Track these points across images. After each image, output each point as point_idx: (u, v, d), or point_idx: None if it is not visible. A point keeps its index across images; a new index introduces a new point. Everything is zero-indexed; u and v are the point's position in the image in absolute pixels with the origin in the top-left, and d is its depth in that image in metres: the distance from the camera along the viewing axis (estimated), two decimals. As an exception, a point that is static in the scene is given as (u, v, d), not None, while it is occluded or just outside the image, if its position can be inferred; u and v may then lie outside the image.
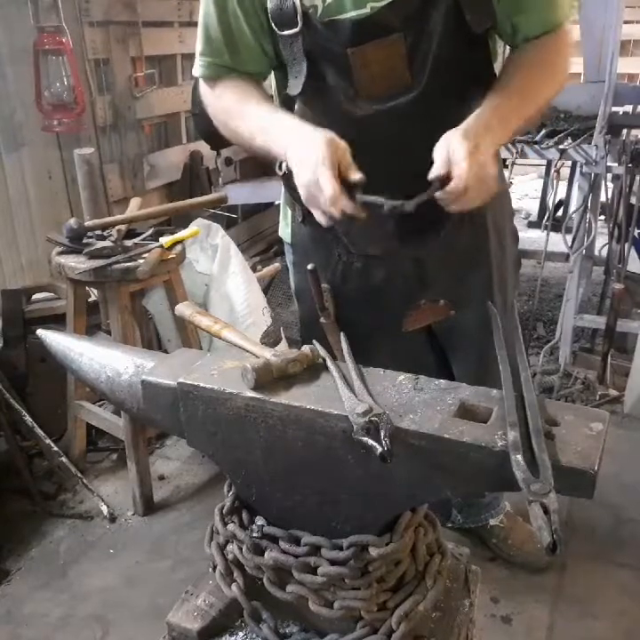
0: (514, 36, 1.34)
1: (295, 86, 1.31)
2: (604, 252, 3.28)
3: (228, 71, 1.38)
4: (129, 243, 2.26)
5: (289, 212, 1.59)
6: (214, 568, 1.12)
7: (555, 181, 3.42)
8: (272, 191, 3.87)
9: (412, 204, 1.10)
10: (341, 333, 1.09)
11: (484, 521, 2.09)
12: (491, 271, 1.57)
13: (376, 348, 1.47)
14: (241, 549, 1.05)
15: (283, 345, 2.79)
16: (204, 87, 1.44)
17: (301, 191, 1.14)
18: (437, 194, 1.11)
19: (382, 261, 1.49)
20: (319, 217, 1.15)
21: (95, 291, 2.60)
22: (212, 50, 1.38)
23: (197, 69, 1.43)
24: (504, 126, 1.21)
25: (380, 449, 0.82)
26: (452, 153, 1.11)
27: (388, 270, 1.49)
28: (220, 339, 1.11)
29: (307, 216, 1.44)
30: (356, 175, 1.10)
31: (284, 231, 1.65)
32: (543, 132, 2.96)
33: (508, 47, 1.40)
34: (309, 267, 1.35)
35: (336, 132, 1.17)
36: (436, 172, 1.12)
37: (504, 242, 1.60)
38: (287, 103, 1.37)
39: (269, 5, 1.26)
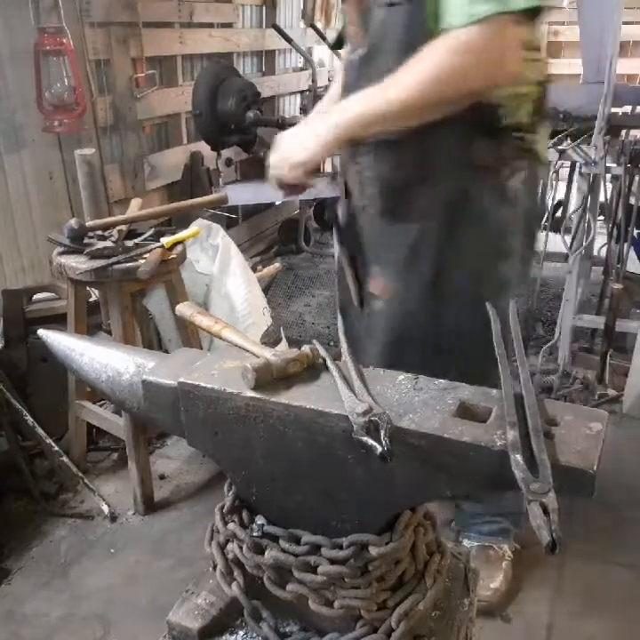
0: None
1: None
2: (603, 252, 3.28)
3: None
4: (130, 243, 2.27)
5: None
6: (214, 567, 1.12)
7: (554, 182, 3.42)
8: (272, 192, 3.87)
9: None
10: (342, 334, 1.10)
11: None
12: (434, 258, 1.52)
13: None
14: (241, 548, 1.06)
15: (283, 345, 2.79)
16: None
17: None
18: None
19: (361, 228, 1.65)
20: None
21: (96, 291, 2.61)
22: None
23: None
24: (346, 115, 1.37)
25: (379, 449, 0.82)
26: None
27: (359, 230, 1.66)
28: (221, 339, 1.12)
29: None
30: None
31: None
32: (543, 132, 2.97)
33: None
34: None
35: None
36: None
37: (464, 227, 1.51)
38: None
39: None
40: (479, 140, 1.42)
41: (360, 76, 1.45)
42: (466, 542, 2.03)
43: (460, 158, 1.42)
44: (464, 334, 1.48)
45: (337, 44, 1.70)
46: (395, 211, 1.53)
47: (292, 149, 1.43)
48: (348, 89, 1.47)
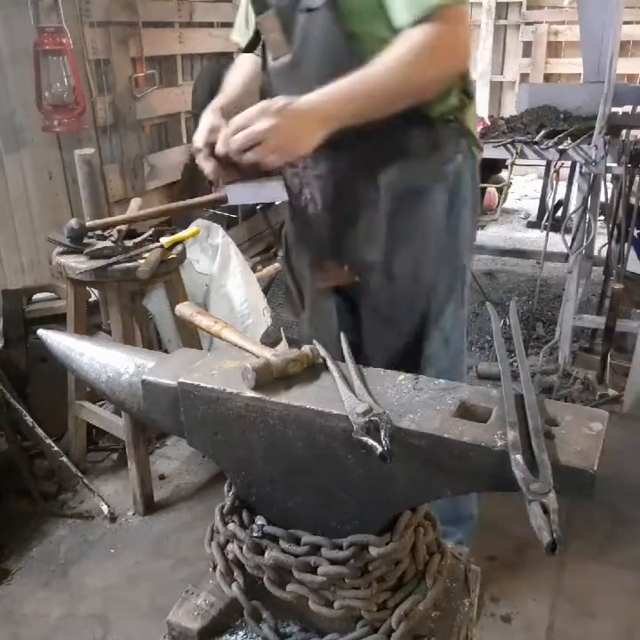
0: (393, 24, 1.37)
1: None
2: (604, 252, 3.28)
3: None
4: (129, 243, 2.26)
5: None
6: (214, 567, 1.12)
7: (554, 182, 3.42)
8: (272, 191, 3.87)
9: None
10: (342, 334, 1.10)
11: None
12: (383, 240, 1.57)
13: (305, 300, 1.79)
14: (241, 549, 1.05)
15: (283, 345, 2.79)
16: None
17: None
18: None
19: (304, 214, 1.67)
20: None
21: (96, 291, 2.61)
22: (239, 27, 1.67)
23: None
24: (336, 99, 1.31)
25: (379, 449, 0.82)
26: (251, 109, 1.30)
27: (305, 226, 1.70)
28: (220, 339, 1.12)
29: None
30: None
31: None
32: (543, 132, 2.97)
33: None
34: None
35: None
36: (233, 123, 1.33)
37: (411, 206, 1.57)
38: None
39: None
40: (415, 129, 1.47)
41: (287, 83, 1.50)
42: None
43: (399, 149, 1.48)
44: (409, 308, 1.61)
45: (249, 48, 1.77)
46: (336, 205, 1.59)
47: (290, 136, 1.30)
48: (276, 96, 1.34)
